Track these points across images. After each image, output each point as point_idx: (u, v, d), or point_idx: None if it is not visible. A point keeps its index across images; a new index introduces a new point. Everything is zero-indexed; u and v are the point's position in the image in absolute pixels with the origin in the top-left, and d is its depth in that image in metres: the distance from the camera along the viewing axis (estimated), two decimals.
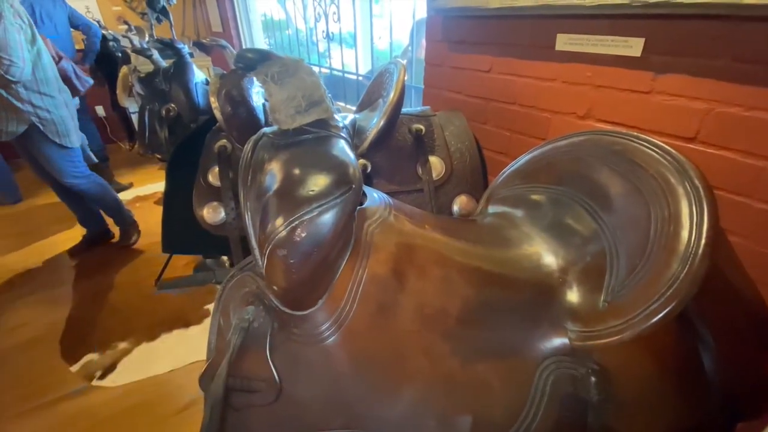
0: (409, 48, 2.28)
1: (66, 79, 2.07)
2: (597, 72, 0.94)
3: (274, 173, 0.40)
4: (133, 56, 2.19)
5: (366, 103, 1.12)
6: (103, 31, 2.91)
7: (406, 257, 0.46)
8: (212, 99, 0.87)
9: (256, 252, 0.40)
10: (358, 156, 0.91)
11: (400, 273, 0.44)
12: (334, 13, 2.41)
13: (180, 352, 1.78)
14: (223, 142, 0.91)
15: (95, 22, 3.10)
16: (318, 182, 0.41)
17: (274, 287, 0.39)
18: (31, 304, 2.14)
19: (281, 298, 0.40)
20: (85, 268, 2.38)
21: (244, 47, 3.35)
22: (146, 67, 1.88)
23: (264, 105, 0.93)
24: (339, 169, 0.43)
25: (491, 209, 0.69)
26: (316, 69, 2.76)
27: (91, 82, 2.31)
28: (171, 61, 1.70)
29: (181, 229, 0.92)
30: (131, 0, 3.30)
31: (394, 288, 0.44)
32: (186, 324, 1.93)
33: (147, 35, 2.88)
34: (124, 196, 3.25)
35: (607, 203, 0.49)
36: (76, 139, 2.06)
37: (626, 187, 0.47)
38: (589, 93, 0.97)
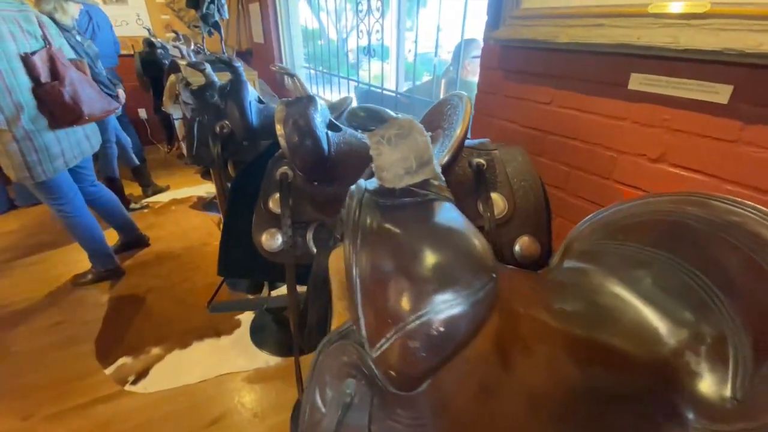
0: (451, 68, 2.26)
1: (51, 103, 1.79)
2: (675, 115, 0.89)
3: (395, 245, 0.38)
4: (182, 67, 2.25)
5: None
6: (152, 39, 3.03)
7: (509, 329, 0.43)
8: (278, 126, 0.87)
9: (361, 321, 0.38)
10: None
11: (503, 348, 0.42)
12: (378, 31, 2.42)
13: (211, 362, 1.79)
14: (285, 169, 0.91)
15: (145, 30, 3.26)
16: (454, 270, 0.38)
17: (391, 372, 0.37)
18: (69, 303, 2.20)
19: (394, 381, 0.38)
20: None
21: (285, 57, 3.41)
22: (196, 78, 1.92)
23: (327, 134, 0.92)
24: (474, 254, 0.40)
25: (568, 264, 0.65)
26: (353, 84, 2.78)
27: (84, 111, 1.91)
28: (221, 74, 1.73)
29: (237, 253, 0.92)
30: (179, 9, 3.42)
31: (497, 366, 0.41)
32: (217, 334, 1.94)
33: (192, 43, 2.98)
34: (160, 198, 3.33)
35: (727, 282, 0.45)
36: (40, 172, 1.81)
37: (752, 268, 0.43)
38: (664, 136, 0.92)
